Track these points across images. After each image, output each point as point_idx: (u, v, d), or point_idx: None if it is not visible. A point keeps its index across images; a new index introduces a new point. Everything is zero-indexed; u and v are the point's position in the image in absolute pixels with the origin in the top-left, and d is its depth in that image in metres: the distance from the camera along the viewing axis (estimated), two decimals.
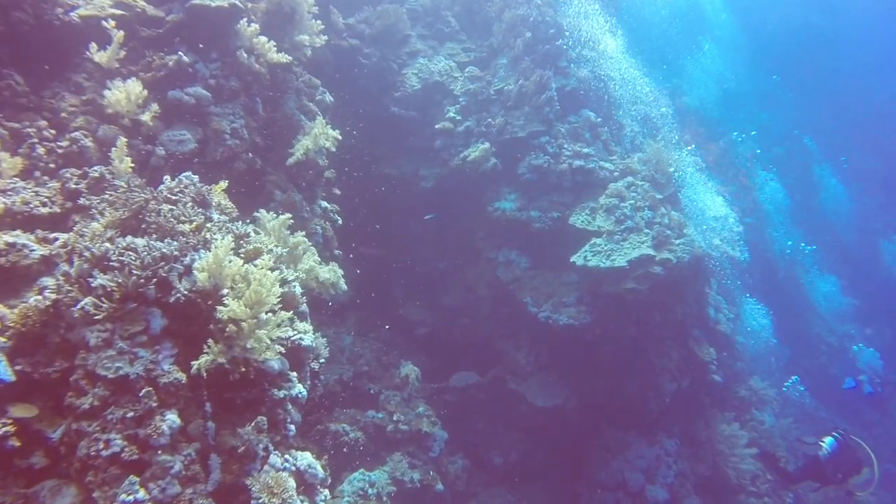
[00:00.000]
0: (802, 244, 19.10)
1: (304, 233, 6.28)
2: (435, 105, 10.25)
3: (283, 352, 4.51)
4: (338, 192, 8.78)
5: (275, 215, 6.10)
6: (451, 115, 9.87)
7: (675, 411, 11.61)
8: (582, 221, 8.97)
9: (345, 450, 8.34)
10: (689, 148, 12.82)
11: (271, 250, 4.96)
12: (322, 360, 5.88)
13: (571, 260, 8.77)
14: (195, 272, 4.07)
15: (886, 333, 20.00)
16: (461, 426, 10.64)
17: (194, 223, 4.41)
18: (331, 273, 6.43)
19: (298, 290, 5.36)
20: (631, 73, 12.14)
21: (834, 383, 18.23)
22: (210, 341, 3.97)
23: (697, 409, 11.99)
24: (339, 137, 7.62)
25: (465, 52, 10.58)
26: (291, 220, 6.11)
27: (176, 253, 4.11)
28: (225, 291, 4.20)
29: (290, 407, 4.81)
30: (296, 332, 5.31)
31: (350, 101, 9.71)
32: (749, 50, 21.98)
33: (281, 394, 4.71)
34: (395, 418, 9.06)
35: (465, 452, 10.23)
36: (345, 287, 6.47)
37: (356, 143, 10.17)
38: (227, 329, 4.07)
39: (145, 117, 5.56)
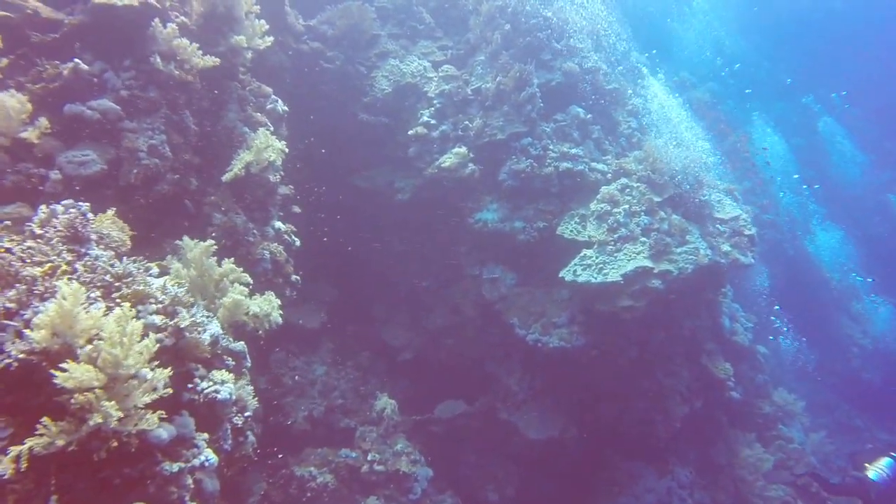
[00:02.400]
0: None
1: (232, 260, 5.41)
2: (408, 110, 9.36)
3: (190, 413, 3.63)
4: (297, 210, 7.94)
5: (197, 242, 5.26)
6: (425, 119, 8.97)
7: (689, 435, 10.54)
8: (571, 231, 7.99)
9: (308, 495, 7.45)
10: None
11: (163, 292, 4.09)
12: (248, 413, 4.97)
13: (560, 275, 7.79)
14: (33, 329, 3.21)
15: None
16: (451, 460, 9.70)
17: (48, 265, 3.56)
18: (264, 304, 5.54)
19: (210, 333, 4.48)
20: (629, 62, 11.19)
21: (868, 388, 17.03)
22: (45, 419, 3.10)
23: (715, 431, 10.90)
24: (286, 150, 6.80)
25: (441, 50, 9.69)
26: (215, 246, 5.25)
27: (11, 306, 3.27)
28: (80, 352, 3.34)
29: (188, 481, 3.93)
30: (210, 384, 4.46)
31: (313, 110, 8.88)
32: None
33: (174, 467, 3.85)
34: (369, 458, 8.15)
35: (456, 489, 9.27)
36: (279, 320, 5.59)
37: (324, 155, 9.36)
38: (77, 400, 3.20)
39: (29, 135, 4.75)
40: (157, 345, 3.60)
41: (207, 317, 4.64)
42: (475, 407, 9.38)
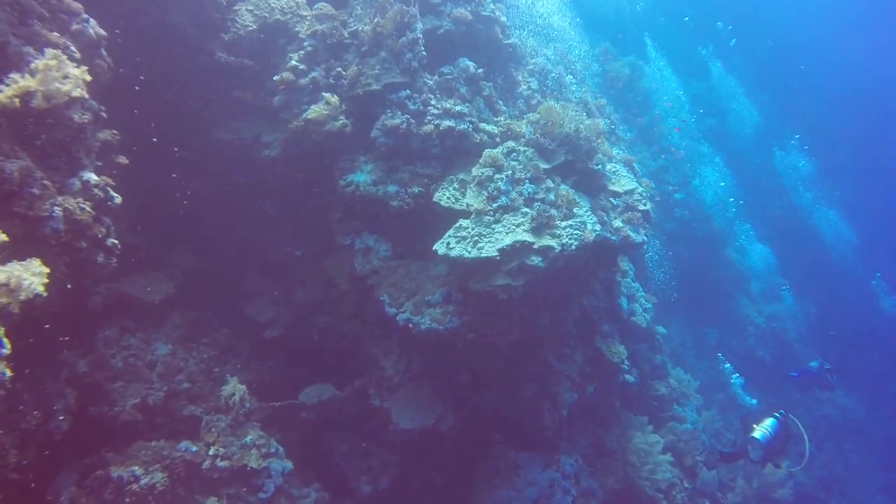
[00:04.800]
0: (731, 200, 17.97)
1: None
2: (278, 52, 8.10)
3: None
4: (124, 160, 6.60)
5: None
6: (293, 63, 7.74)
7: (582, 420, 10.05)
8: (448, 198, 7.06)
9: (127, 501, 6.30)
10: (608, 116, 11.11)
11: None
12: None
13: (434, 248, 6.87)
14: None
15: (811, 313, 19.26)
16: (320, 449, 8.76)
17: None
18: (17, 272, 4.29)
19: None
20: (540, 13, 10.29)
21: (760, 366, 17.46)
22: None
23: (608, 415, 10.46)
24: (89, 78, 5.47)
25: None
26: None
27: None
28: None
29: None
30: None
31: (155, 42, 7.48)
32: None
33: None
34: (211, 452, 7.06)
35: (326, 482, 8.34)
36: (38, 290, 4.35)
37: (173, 100, 8.00)
38: None
39: None
40: None
41: None
42: (346, 392, 8.43)
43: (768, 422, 8.46)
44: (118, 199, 6.12)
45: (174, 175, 8.07)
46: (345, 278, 8.49)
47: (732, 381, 15.16)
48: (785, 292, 18.62)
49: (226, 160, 8.50)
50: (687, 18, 19.86)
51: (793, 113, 21.45)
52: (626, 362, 10.03)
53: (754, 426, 8.50)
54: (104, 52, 6.23)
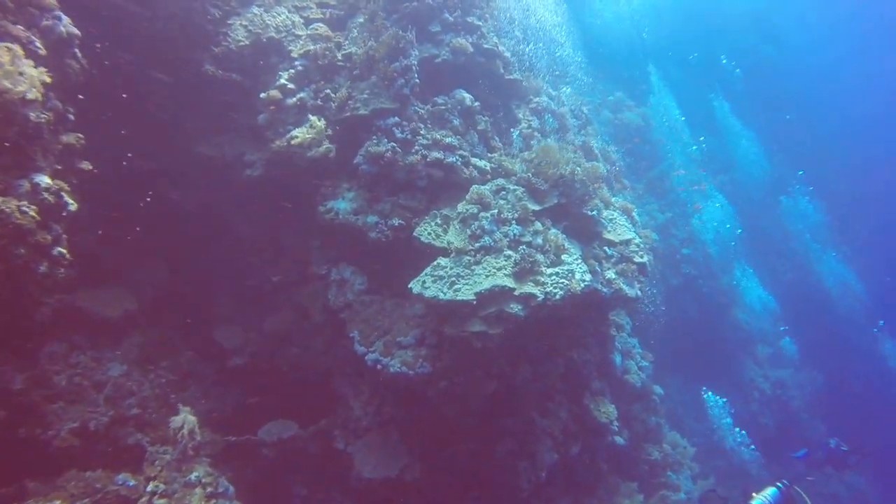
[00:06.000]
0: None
1: None
2: (270, 70, 7.80)
3: None
4: (87, 166, 6.23)
5: None
6: (283, 81, 7.44)
7: (563, 481, 9.33)
8: (429, 234, 6.60)
9: None
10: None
11: None
12: None
13: (409, 286, 6.38)
14: None
15: (818, 379, 18.40)
16: (278, 492, 8.14)
17: None
18: None
19: None
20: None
21: (764, 433, 16.60)
22: None
23: (593, 479, 9.73)
24: (48, 79, 5.15)
25: (320, 6, 8.18)
26: None
27: None
28: None
29: None
30: None
31: (142, 48, 7.21)
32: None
33: None
34: (149, 488, 6.49)
35: None
36: None
37: (155, 111, 7.70)
38: None
39: None
40: None
41: None
42: (309, 431, 7.85)
43: (769, 490, 8.04)
44: (73, 206, 5.74)
45: (149, 193, 7.70)
46: (319, 309, 8.01)
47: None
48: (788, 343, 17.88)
49: (207, 176, 8.15)
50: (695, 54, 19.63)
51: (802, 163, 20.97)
52: (616, 423, 9.35)
53: (753, 494, 8.05)
54: (77, 52, 5.94)
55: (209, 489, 6.78)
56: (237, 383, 8.38)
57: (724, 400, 14.50)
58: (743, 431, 14.96)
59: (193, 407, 7.66)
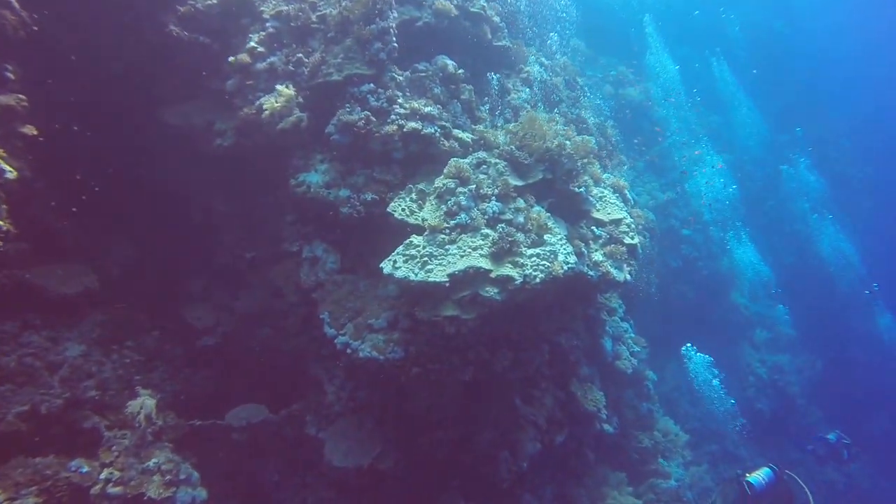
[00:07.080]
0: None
1: None
2: (241, 32, 7.30)
3: None
4: (32, 131, 5.76)
5: None
6: (252, 45, 6.92)
7: (549, 470, 9.00)
8: (402, 210, 6.14)
9: None
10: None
11: None
12: None
13: (380, 265, 5.94)
14: None
15: (817, 365, 18.00)
16: (249, 476, 7.83)
17: None
18: None
19: None
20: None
21: (759, 418, 16.27)
22: None
23: (580, 468, 9.39)
24: None
25: None
26: None
27: None
28: None
29: None
30: None
31: (95, 8, 6.69)
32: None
33: None
34: (103, 475, 6.14)
35: None
36: None
37: (118, 74, 7.20)
38: None
39: None
40: None
41: None
42: (280, 416, 7.49)
43: (763, 470, 8.14)
44: (12, 174, 5.30)
45: (110, 166, 7.23)
46: (292, 289, 7.59)
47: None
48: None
49: (174, 146, 7.67)
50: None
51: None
52: (605, 410, 8.98)
53: (748, 473, 8.17)
54: (15, 3, 5.43)
55: (168, 476, 6.46)
56: (206, 364, 8.01)
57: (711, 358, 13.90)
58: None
59: (160, 389, 7.35)
